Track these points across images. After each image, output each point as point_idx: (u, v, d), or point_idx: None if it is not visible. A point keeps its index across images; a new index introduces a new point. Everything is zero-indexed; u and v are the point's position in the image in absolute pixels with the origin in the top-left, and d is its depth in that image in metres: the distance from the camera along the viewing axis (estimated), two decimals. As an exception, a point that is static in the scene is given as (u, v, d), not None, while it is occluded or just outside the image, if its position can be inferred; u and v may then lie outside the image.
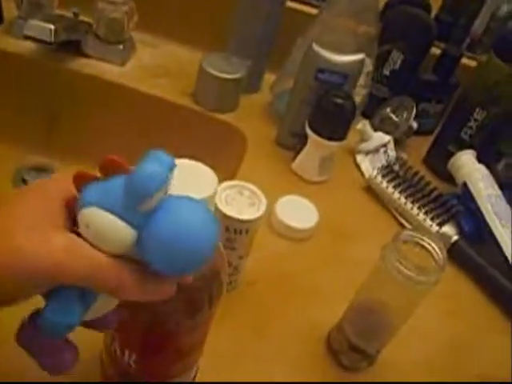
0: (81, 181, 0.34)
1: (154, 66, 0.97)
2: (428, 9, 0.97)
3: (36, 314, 0.35)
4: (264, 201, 0.58)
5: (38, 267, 0.32)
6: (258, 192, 0.59)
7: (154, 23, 0.99)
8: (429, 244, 0.53)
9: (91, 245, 0.33)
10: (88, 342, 0.51)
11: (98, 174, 0.34)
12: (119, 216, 0.32)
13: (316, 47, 0.78)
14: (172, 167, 0.32)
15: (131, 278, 0.34)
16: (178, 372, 0.48)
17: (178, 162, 0.33)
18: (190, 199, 0.34)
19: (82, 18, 0.93)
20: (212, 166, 0.42)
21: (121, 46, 0.94)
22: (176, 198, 0.33)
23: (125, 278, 0.34)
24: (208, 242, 0.33)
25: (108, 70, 0.93)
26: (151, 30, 1.01)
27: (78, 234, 0.34)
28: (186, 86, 0.93)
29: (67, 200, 0.35)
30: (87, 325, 0.38)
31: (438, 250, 0.53)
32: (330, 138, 0.79)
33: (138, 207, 0.32)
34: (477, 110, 0.86)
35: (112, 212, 0.32)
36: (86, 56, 0.93)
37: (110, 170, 0.33)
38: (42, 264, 0.32)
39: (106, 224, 0.32)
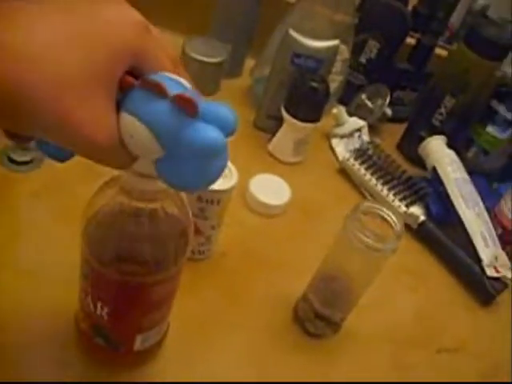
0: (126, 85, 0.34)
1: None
2: (405, 0, 1.01)
3: None
4: (235, 173, 0.61)
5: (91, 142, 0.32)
6: (231, 165, 0.62)
7: (136, 8, 1.01)
8: (387, 215, 0.56)
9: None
10: (63, 301, 0.55)
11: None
12: (157, 137, 0.34)
13: (292, 32, 0.81)
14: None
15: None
16: (149, 325, 0.51)
17: None
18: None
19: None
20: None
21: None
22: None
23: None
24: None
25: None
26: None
27: None
28: (169, 70, 0.95)
29: (125, 80, 0.34)
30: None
31: (395, 220, 0.56)
32: (304, 120, 0.82)
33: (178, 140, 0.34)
34: (447, 97, 0.89)
35: (156, 133, 0.33)
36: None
37: (150, 87, 0.33)
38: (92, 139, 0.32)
39: (144, 138, 0.34)
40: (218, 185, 0.60)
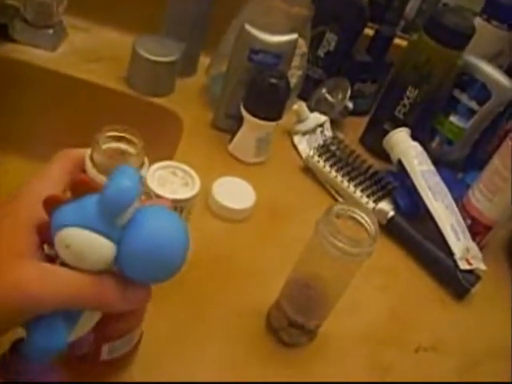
0: (51, 204, 0.34)
1: (87, 50, 0.95)
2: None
3: (18, 343, 0.36)
4: (197, 180, 0.58)
5: (9, 302, 0.32)
6: (192, 172, 0.58)
7: (85, 7, 0.97)
8: (361, 217, 0.54)
9: (70, 266, 0.34)
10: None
11: (68, 196, 0.35)
12: (99, 232, 0.33)
13: (249, 27, 0.78)
14: (140, 181, 0.34)
15: (112, 292, 0.36)
16: (115, 334, 0.48)
17: None
18: (162, 210, 0.37)
19: (8, 1, 0.90)
20: (148, 151, 0.41)
21: (50, 31, 0.91)
22: (149, 209, 0.36)
23: (105, 292, 0.35)
24: (181, 250, 0.36)
25: (38, 56, 0.90)
26: (82, 13, 0.98)
27: (51, 259, 0.36)
28: (120, 71, 0.91)
29: (38, 226, 0.35)
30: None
31: (370, 222, 0.53)
32: (265, 118, 0.79)
33: (115, 221, 0.34)
34: (409, 88, 0.87)
35: (92, 229, 0.33)
36: (14, 41, 0.90)
37: (80, 190, 0.34)
38: (12, 299, 0.32)
39: (88, 241, 0.33)
40: (181, 193, 0.57)
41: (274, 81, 0.77)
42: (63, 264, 0.35)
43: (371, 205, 0.80)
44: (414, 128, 0.89)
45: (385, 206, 0.80)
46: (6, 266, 0.33)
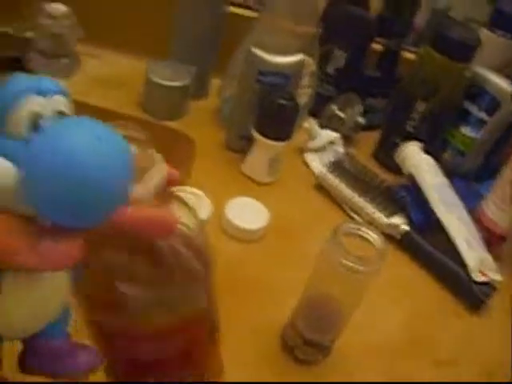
0: None
1: (100, 77, 0.97)
2: (367, 6, 0.99)
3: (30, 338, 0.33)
4: (208, 203, 0.59)
5: None
6: (202, 194, 0.59)
7: (96, 34, 0.99)
8: (368, 234, 0.54)
9: None
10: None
11: None
12: None
13: (255, 50, 0.80)
14: (49, 88, 0.28)
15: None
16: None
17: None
18: (83, 119, 0.27)
19: (23, 34, 0.93)
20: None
21: (66, 60, 0.94)
22: (66, 120, 0.27)
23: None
24: (107, 173, 0.26)
25: (54, 85, 0.93)
26: (95, 41, 1.00)
27: None
28: (134, 96, 0.93)
29: None
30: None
31: (377, 238, 0.54)
32: (275, 139, 0.80)
33: (4, 129, 0.27)
34: (418, 101, 0.88)
35: None
36: (30, 72, 0.93)
37: None
38: None
39: None
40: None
41: (282, 102, 0.78)
42: None
43: (384, 220, 0.80)
44: (425, 141, 0.89)
45: (398, 220, 0.80)
46: None
